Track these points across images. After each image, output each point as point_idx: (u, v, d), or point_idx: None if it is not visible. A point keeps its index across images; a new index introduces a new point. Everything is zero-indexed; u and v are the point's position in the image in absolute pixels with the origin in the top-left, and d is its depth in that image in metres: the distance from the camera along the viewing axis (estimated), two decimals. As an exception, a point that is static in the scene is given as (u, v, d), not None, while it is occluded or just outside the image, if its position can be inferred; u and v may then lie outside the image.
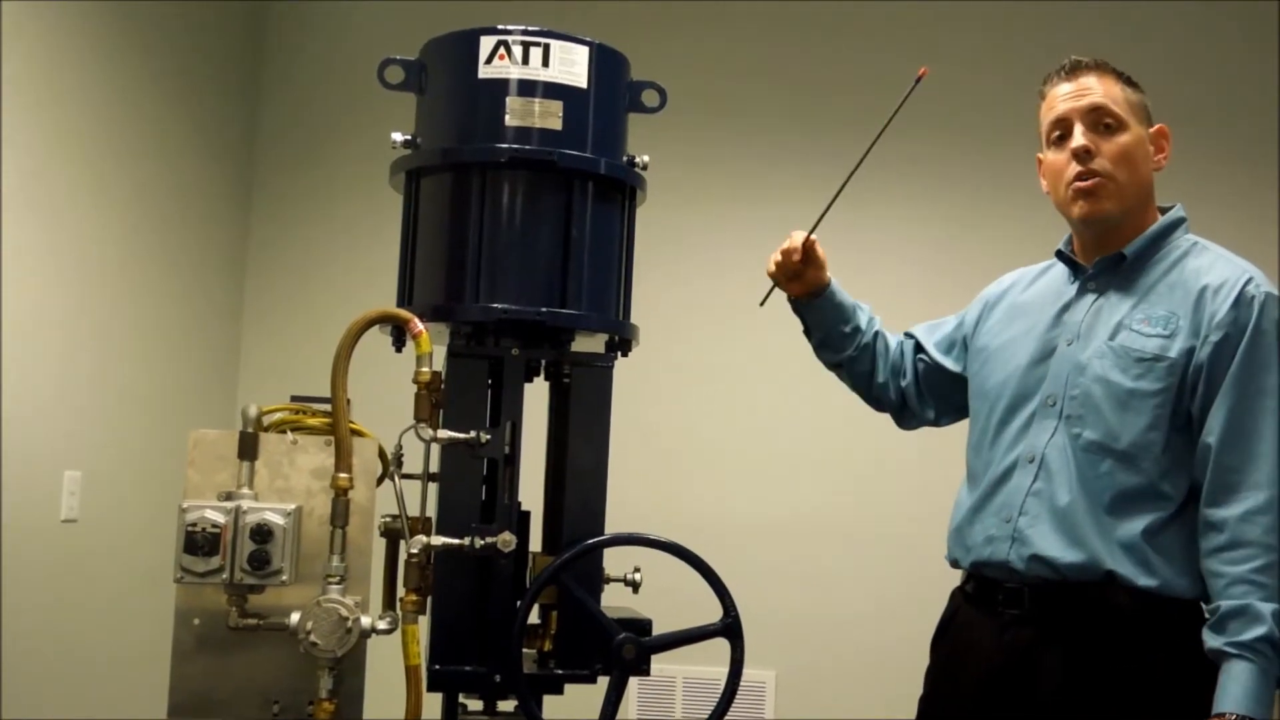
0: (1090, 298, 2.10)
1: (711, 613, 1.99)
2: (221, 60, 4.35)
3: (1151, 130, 2.11)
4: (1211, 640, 1.88)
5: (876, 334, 2.41)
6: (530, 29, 2.01)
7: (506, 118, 1.99)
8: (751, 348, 4.40)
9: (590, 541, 1.95)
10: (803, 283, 2.32)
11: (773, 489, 4.29)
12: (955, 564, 2.20)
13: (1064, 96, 2.09)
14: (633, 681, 2.02)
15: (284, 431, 2.00)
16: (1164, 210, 2.14)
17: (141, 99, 3.76)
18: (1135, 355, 1.98)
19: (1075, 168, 2.05)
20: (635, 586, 2.06)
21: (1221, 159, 4.31)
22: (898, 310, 4.30)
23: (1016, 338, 2.18)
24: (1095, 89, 2.07)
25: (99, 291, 3.54)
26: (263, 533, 1.85)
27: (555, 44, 2.01)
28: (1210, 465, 1.93)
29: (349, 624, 1.86)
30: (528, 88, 2.00)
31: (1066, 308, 2.12)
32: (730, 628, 1.98)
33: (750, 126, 4.50)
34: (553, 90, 2.00)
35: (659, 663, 1.98)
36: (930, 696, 2.23)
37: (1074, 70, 2.10)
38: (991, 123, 4.33)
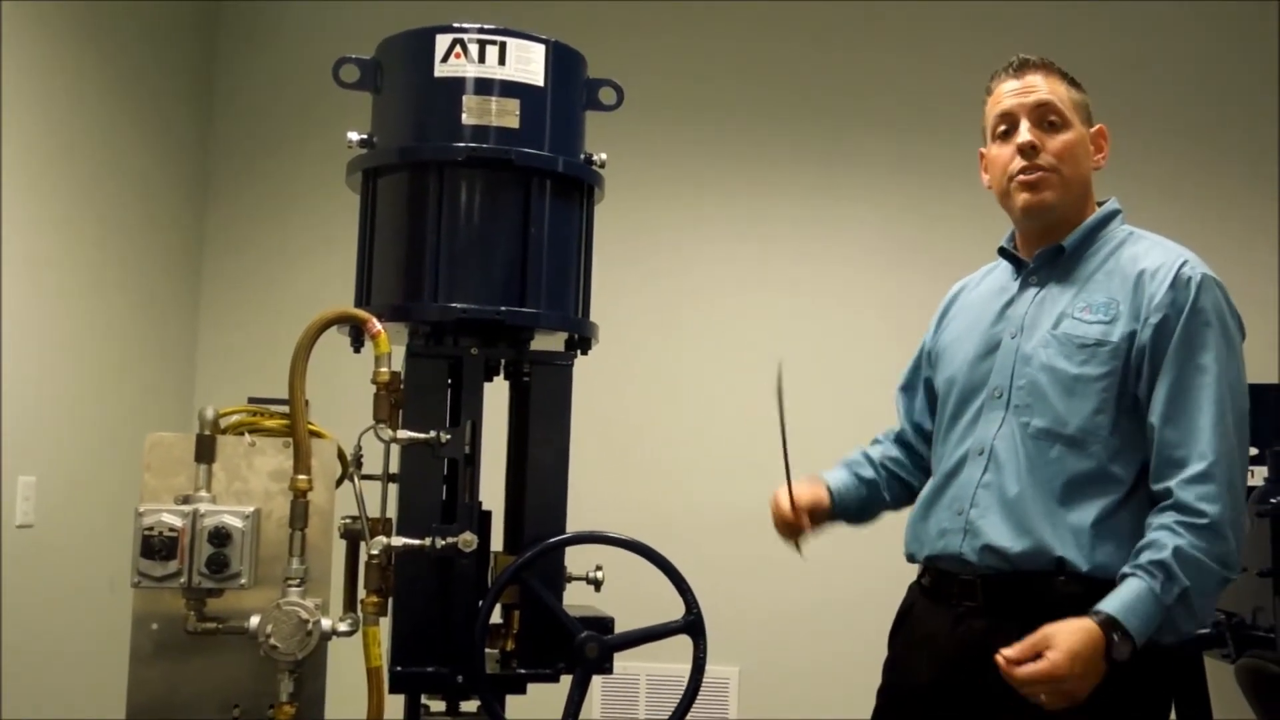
0: (1032, 291, 2.14)
1: (674, 610, 1.99)
2: (175, 60, 4.31)
3: (1092, 130, 2.16)
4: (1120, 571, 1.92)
5: (884, 467, 2.40)
6: (486, 27, 2.00)
7: (463, 116, 1.98)
8: (712, 344, 4.42)
9: (552, 540, 1.95)
10: (812, 517, 2.30)
11: (735, 486, 4.27)
12: (911, 558, 2.23)
13: (1011, 93, 2.14)
14: (596, 680, 2.01)
15: (242, 433, 1.99)
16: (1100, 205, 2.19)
17: (94, 100, 3.71)
18: (1078, 342, 2.02)
19: (1020, 161, 2.10)
20: (597, 585, 2.06)
21: (1222, 159, 4.38)
22: (868, 305, 4.39)
23: (963, 335, 2.23)
24: (1041, 87, 2.12)
25: (53, 294, 3.50)
26: (221, 536, 1.83)
27: (511, 42, 2.00)
28: (1155, 443, 1.97)
29: (309, 626, 1.85)
30: (484, 86, 1.99)
31: (1010, 303, 2.17)
32: (693, 625, 1.98)
33: (710, 124, 4.51)
34: (509, 88, 2.00)
35: (622, 660, 1.98)
36: (887, 688, 2.25)
37: (1021, 68, 2.15)
38: (967, 119, 4.35)
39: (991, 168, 2.19)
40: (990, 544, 2.02)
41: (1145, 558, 1.89)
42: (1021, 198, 2.11)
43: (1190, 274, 1.99)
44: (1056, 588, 1.97)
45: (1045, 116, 2.10)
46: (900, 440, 2.43)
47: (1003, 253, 2.25)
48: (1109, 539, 1.97)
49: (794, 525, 2.25)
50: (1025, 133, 2.09)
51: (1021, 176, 2.10)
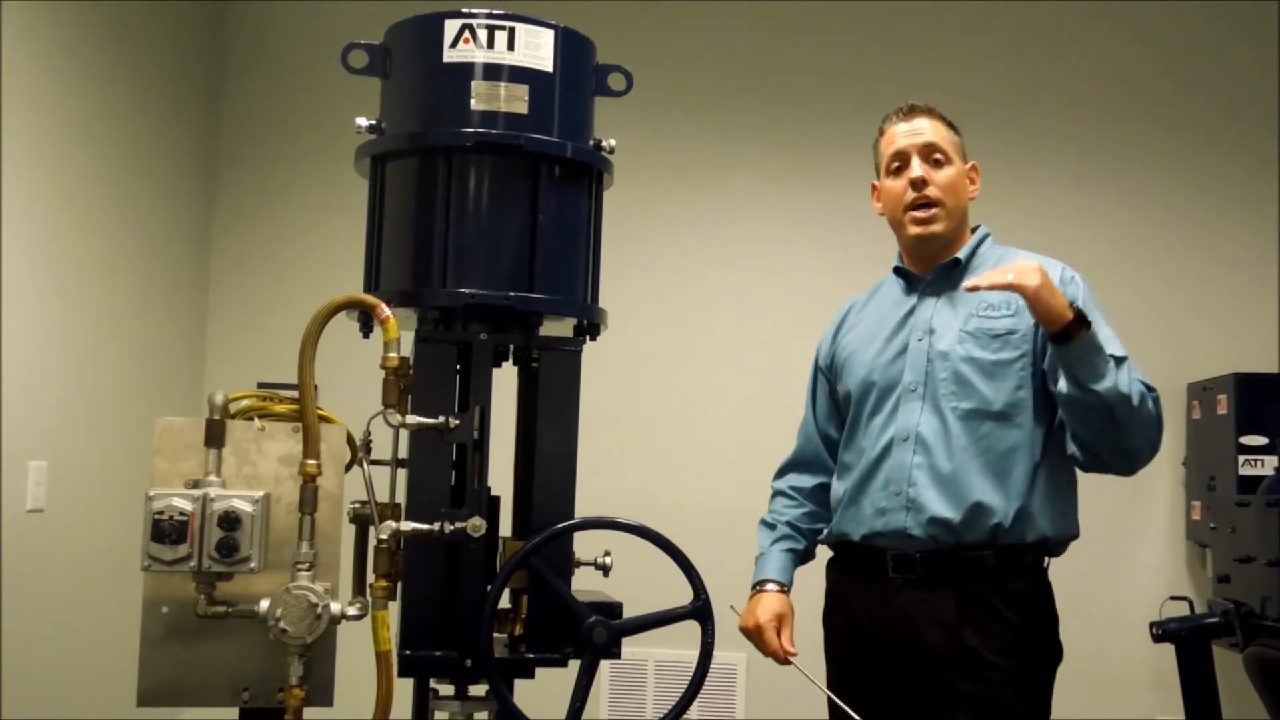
0: (931, 300, 2.46)
1: (682, 596, 1.99)
2: (185, 45, 4.31)
3: (967, 166, 2.49)
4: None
5: (808, 536, 2.64)
6: (495, 12, 2.00)
7: (472, 102, 1.98)
8: (722, 332, 4.41)
9: (560, 525, 1.95)
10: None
11: (742, 472, 4.27)
12: (841, 539, 2.45)
13: (903, 134, 2.46)
14: (604, 665, 2.02)
15: (251, 418, 1.99)
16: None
17: (104, 90, 3.72)
18: (991, 334, 2.35)
19: (912, 194, 2.42)
20: (606, 570, 2.06)
21: (1222, 157, 4.35)
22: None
23: (866, 343, 2.51)
24: (927, 129, 2.45)
25: (63, 281, 3.51)
26: (230, 520, 1.84)
27: (520, 27, 2.00)
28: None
29: (319, 610, 1.85)
30: (493, 71, 1.99)
31: (911, 312, 2.46)
32: (701, 610, 1.99)
33: (717, 111, 4.50)
34: (518, 74, 2.00)
35: (630, 646, 1.98)
36: (834, 667, 2.50)
37: (910, 112, 2.48)
38: (974, 111, 4.35)
39: (885, 198, 2.50)
40: (934, 516, 2.30)
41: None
42: (914, 230, 2.44)
43: (1070, 274, 2.37)
44: (987, 557, 2.29)
45: (931, 154, 2.44)
46: (804, 484, 2.65)
47: (898, 271, 2.55)
48: (1035, 502, 2.30)
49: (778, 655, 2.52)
50: (917, 169, 2.43)
51: (915, 212, 2.42)
